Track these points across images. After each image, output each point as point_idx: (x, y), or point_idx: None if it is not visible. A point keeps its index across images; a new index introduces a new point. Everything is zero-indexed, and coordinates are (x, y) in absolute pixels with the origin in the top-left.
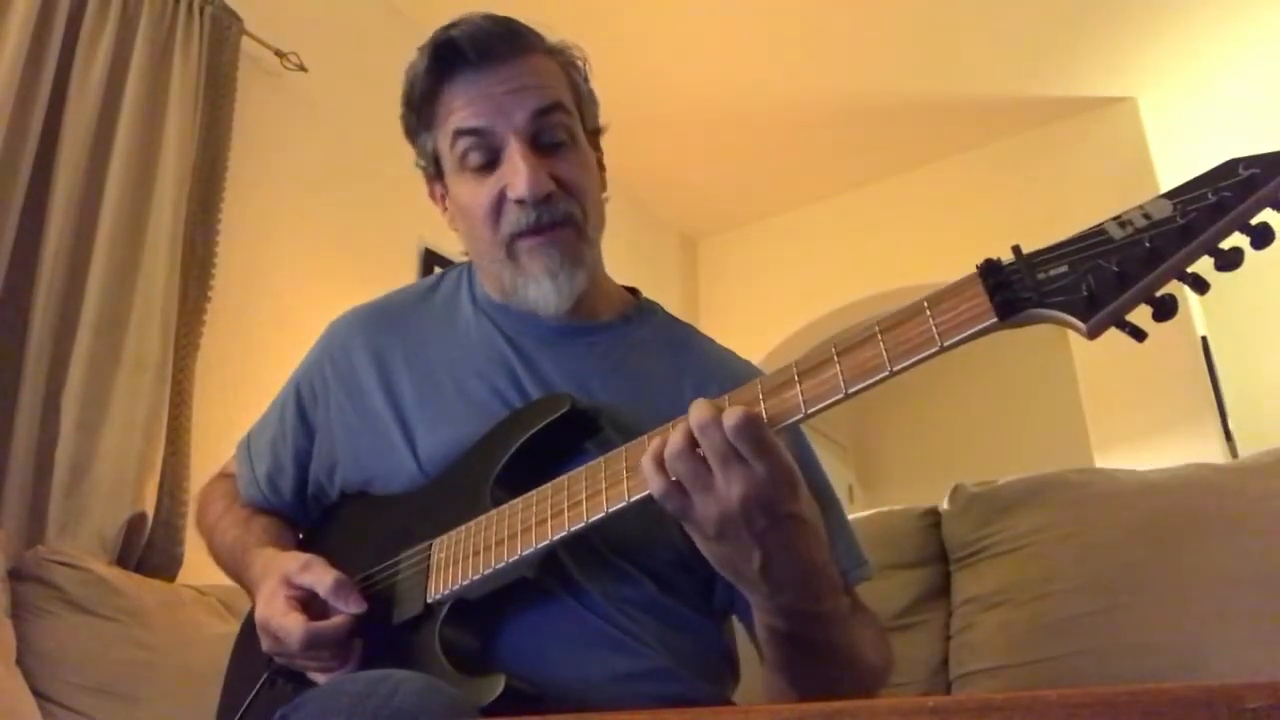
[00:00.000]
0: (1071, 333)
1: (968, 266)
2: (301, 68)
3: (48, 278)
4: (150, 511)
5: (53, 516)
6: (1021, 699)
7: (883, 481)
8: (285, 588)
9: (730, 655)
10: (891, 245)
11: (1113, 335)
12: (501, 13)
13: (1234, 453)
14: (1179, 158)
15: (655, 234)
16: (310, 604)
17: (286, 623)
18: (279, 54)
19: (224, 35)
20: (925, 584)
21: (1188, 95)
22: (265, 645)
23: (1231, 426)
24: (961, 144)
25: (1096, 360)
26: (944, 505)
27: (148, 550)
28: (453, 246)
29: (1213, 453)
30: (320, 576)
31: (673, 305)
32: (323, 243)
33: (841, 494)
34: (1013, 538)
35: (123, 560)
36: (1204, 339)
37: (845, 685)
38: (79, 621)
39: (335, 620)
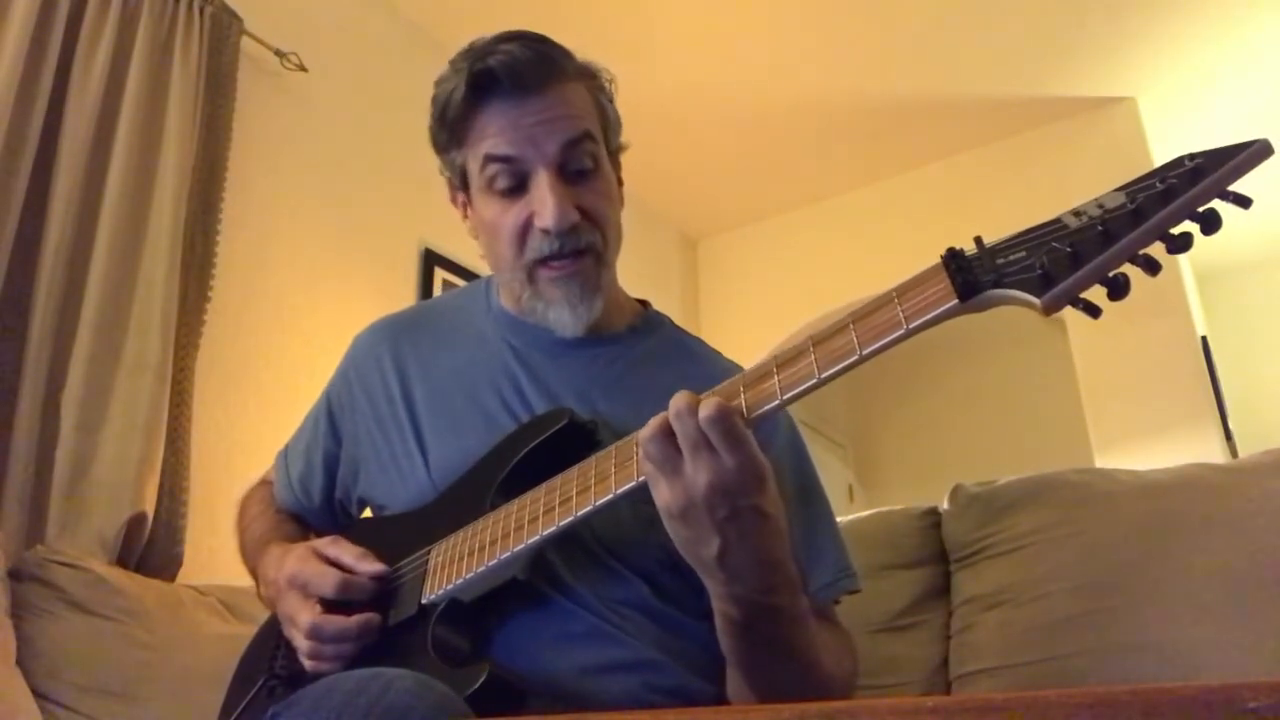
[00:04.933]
0: (1071, 331)
1: None
2: (301, 68)
3: (48, 278)
4: (150, 511)
5: (53, 516)
6: (1021, 699)
7: (883, 481)
8: (315, 554)
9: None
10: (891, 245)
11: (1112, 335)
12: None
13: (1234, 453)
14: None
15: (655, 234)
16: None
17: (323, 569)
18: (279, 54)
19: (224, 35)
20: (925, 584)
21: (1188, 95)
22: (288, 604)
23: (1231, 426)
24: (961, 144)
25: (1096, 360)
26: (944, 505)
27: (148, 550)
28: (453, 247)
29: (1213, 453)
30: (346, 549)
31: (673, 305)
32: (323, 243)
33: (841, 494)
34: (1013, 538)
35: (123, 560)
36: (1204, 339)
37: (797, 687)
38: (79, 621)
39: (364, 581)
